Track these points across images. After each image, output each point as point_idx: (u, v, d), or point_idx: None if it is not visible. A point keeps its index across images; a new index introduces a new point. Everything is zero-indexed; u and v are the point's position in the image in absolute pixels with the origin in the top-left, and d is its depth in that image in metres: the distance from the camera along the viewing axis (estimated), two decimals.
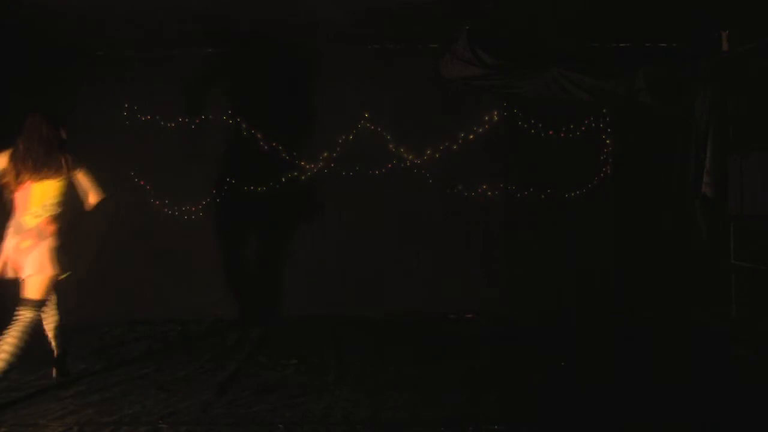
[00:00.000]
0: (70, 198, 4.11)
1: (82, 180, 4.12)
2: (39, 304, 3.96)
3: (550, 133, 6.45)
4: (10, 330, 3.84)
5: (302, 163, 6.44)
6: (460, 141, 6.44)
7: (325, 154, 6.43)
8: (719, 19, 5.41)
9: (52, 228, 3.98)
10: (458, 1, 5.07)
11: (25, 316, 3.89)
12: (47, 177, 3.98)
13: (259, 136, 6.41)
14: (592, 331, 5.79)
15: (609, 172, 6.52)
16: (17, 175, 3.96)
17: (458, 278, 6.41)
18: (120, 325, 6.01)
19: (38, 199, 3.98)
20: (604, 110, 6.47)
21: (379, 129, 6.43)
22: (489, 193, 6.49)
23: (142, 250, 6.31)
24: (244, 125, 6.40)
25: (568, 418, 3.69)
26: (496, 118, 6.46)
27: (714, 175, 5.62)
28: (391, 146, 6.44)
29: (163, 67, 6.35)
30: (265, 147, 6.40)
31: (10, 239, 3.95)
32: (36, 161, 3.95)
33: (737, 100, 5.75)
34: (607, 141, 6.52)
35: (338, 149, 6.43)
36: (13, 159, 3.97)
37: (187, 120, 6.36)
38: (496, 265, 6.48)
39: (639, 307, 6.26)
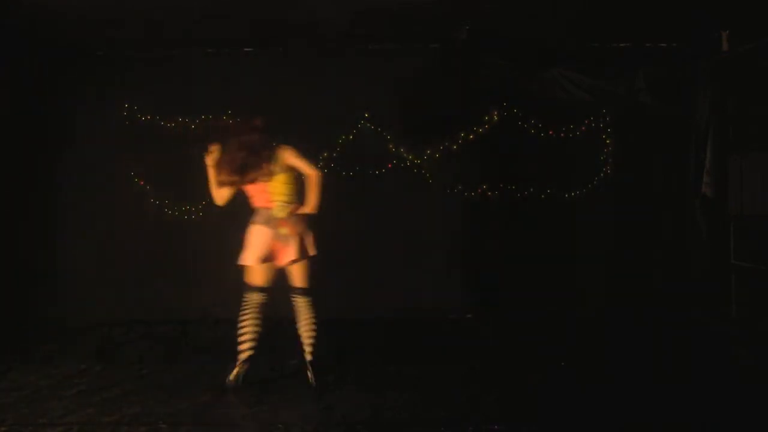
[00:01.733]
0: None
1: (294, 161, 4.30)
2: (311, 291, 4.39)
3: (550, 133, 6.44)
4: (302, 322, 4.33)
5: None
6: (460, 141, 6.44)
7: (325, 154, 6.42)
8: (719, 19, 5.41)
9: (299, 214, 4.30)
10: (458, 1, 5.07)
11: (304, 302, 4.36)
12: (267, 177, 4.21)
13: None
14: (592, 331, 5.80)
15: (609, 172, 6.52)
16: (236, 186, 4.22)
17: (458, 278, 6.41)
18: (120, 325, 6.01)
19: (276, 190, 4.24)
20: (604, 110, 6.46)
21: (379, 129, 6.43)
22: (489, 193, 6.49)
23: (142, 250, 6.30)
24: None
25: (568, 418, 3.69)
26: (496, 118, 6.45)
27: (714, 175, 5.63)
28: (391, 146, 6.44)
29: (163, 67, 6.33)
30: None
31: (264, 229, 4.20)
32: (251, 174, 4.18)
33: (737, 100, 5.74)
34: (607, 141, 6.51)
35: (338, 149, 6.43)
36: (222, 172, 4.19)
37: (187, 120, 6.36)
38: (495, 265, 6.47)
39: (639, 307, 6.26)
